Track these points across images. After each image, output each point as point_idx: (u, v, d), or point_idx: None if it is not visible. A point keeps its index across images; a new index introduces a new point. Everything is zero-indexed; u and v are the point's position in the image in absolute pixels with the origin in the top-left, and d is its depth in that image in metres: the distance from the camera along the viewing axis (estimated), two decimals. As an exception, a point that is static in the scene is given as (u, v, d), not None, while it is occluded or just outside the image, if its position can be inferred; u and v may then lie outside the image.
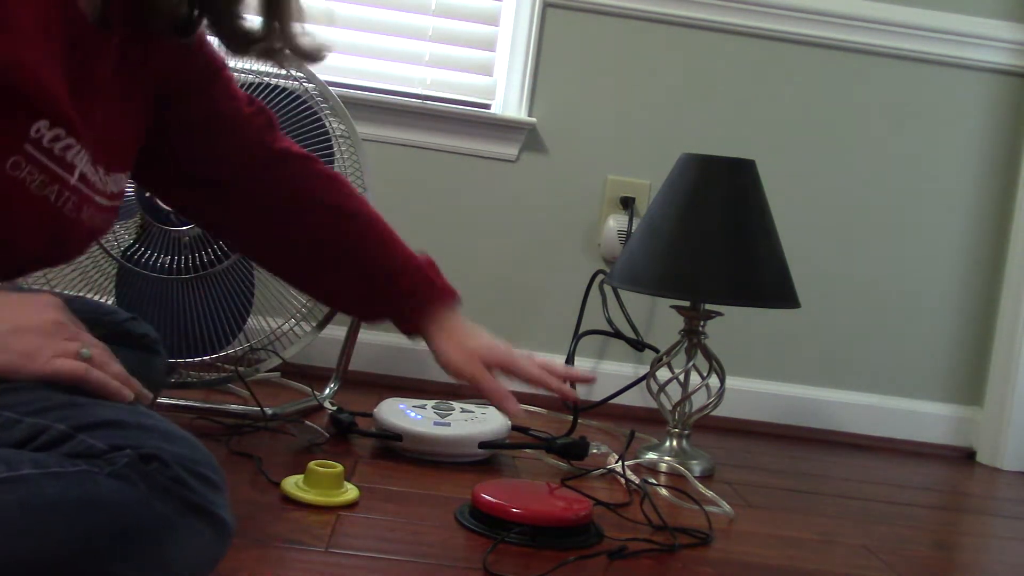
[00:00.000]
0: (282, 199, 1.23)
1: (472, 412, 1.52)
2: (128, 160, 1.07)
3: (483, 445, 1.46)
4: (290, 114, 1.62)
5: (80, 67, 0.94)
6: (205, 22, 1.04)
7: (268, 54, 1.05)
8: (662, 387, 1.65)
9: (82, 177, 0.94)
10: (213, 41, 1.12)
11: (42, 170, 0.89)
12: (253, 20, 1.04)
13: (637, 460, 1.60)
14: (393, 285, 1.26)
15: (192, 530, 0.81)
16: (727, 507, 1.39)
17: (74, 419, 0.82)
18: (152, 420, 0.85)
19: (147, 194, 1.53)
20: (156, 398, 1.33)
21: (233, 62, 1.66)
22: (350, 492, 1.22)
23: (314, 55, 1.08)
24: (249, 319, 1.62)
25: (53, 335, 0.88)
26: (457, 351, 1.24)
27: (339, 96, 1.70)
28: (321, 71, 1.71)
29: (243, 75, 1.65)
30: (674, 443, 1.64)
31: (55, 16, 0.89)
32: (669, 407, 1.65)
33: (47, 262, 0.98)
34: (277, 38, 1.03)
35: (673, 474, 1.57)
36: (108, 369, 0.91)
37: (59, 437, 0.81)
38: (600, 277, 1.95)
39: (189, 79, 1.13)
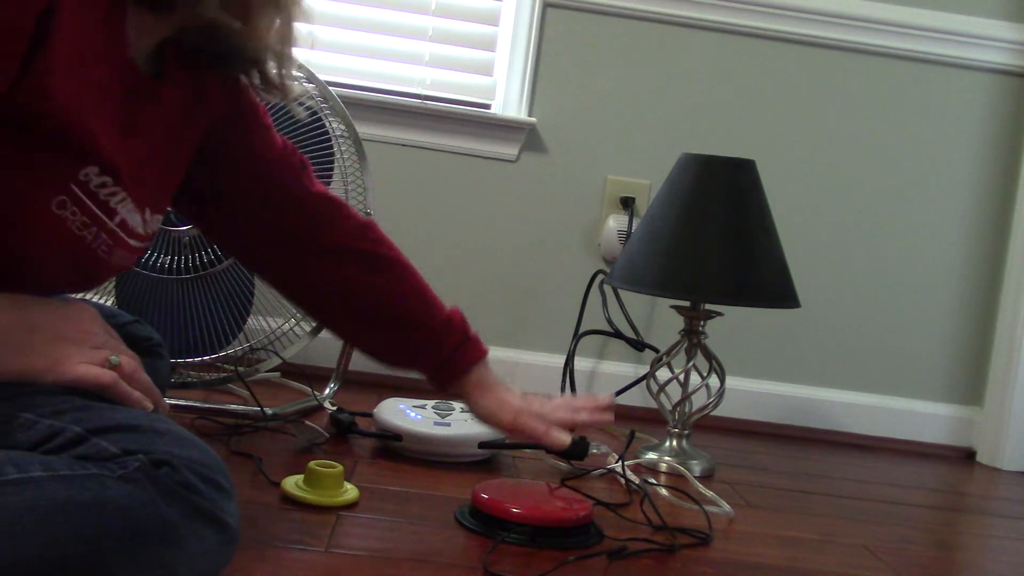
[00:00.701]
0: (312, 240, 1.24)
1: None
2: (167, 203, 1.10)
3: (483, 445, 1.46)
4: (290, 114, 1.62)
5: (133, 117, 0.96)
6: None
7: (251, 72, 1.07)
8: (662, 387, 1.65)
9: (122, 223, 0.96)
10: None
11: (85, 211, 0.91)
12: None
13: (637, 460, 1.60)
14: (426, 339, 1.26)
15: (199, 535, 0.82)
16: (727, 507, 1.39)
17: (89, 422, 0.84)
18: (166, 425, 0.87)
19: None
20: None
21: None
22: (350, 492, 1.22)
23: (284, 90, 1.09)
24: (249, 319, 1.62)
25: (82, 343, 0.91)
26: (494, 403, 1.27)
27: (339, 96, 1.70)
28: (321, 71, 1.71)
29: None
30: (674, 443, 1.64)
31: (112, 67, 0.91)
32: (669, 407, 1.65)
33: (68, 291, 0.99)
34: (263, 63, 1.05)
35: (673, 474, 1.57)
36: (136, 378, 0.93)
37: (74, 439, 0.82)
38: (600, 277, 1.95)
39: (231, 122, 1.15)
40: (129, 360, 0.93)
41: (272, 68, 1.06)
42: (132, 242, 0.99)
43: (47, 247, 0.90)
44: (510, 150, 2.02)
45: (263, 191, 1.20)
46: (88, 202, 0.90)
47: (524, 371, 2.00)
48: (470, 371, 1.27)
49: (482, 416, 1.28)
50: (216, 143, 1.14)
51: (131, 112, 0.95)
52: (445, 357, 1.26)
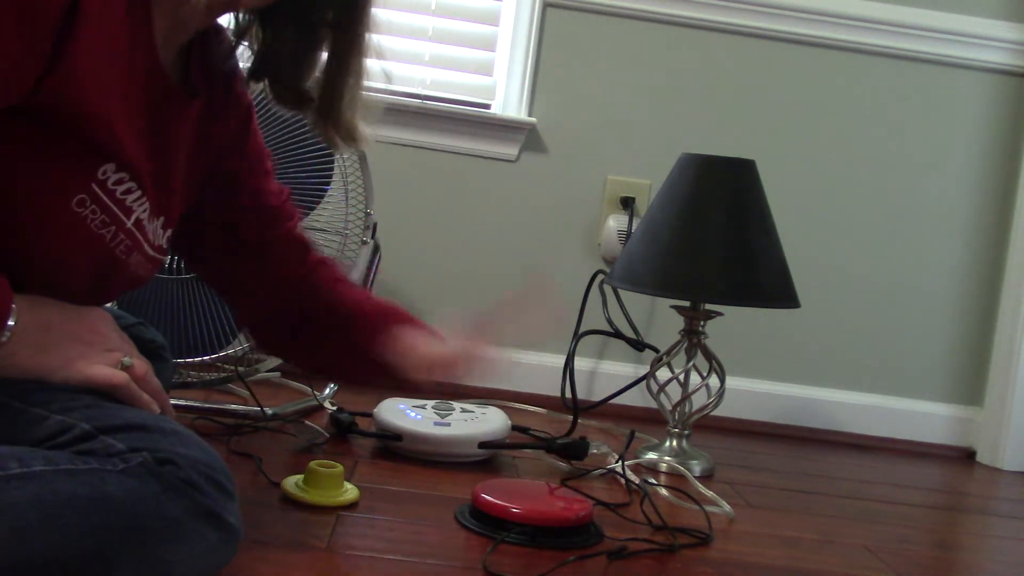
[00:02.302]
0: (284, 279, 1.20)
1: (472, 412, 1.52)
2: (177, 219, 1.08)
3: (483, 445, 1.46)
4: (290, 114, 1.62)
5: (158, 121, 0.96)
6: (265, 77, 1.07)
7: (316, 119, 1.07)
8: (662, 387, 1.65)
9: (138, 223, 0.96)
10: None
11: (104, 210, 0.91)
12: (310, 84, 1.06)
13: (637, 460, 1.60)
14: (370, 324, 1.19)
15: (200, 533, 0.82)
16: (727, 507, 1.39)
17: (98, 420, 0.85)
18: (171, 426, 0.88)
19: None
20: None
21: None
22: (350, 492, 1.22)
23: (352, 137, 1.08)
24: (249, 319, 1.62)
25: (96, 345, 0.92)
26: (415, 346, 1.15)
27: (339, 96, 1.70)
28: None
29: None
30: (674, 443, 1.64)
31: (139, 69, 0.92)
32: (669, 407, 1.65)
33: (85, 294, 0.99)
34: (324, 108, 1.05)
35: (673, 474, 1.57)
36: (147, 380, 0.94)
37: (82, 436, 0.83)
38: (600, 277, 1.95)
39: (239, 158, 1.14)
40: (140, 363, 0.95)
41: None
42: (148, 249, 0.99)
43: (67, 245, 0.90)
44: (510, 150, 2.02)
45: (248, 221, 1.17)
46: (106, 200, 0.91)
47: (524, 371, 2.00)
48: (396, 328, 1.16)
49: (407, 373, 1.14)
50: (220, 170, 1.12)
51: (156, 116, 0.96)
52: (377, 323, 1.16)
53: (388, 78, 1.11)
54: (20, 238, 0.87)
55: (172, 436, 0.85)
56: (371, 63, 1.07)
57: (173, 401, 1.52)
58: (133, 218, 0.95)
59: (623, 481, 1.45)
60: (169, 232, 1.05)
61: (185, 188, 1.07)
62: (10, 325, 0.85)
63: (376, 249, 1.72)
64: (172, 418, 0.95)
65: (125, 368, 0.92)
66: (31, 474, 0.77)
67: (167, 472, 0.81)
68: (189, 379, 1.59)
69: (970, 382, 2.11)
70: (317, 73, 1.06)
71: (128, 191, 0.93)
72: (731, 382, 1.71)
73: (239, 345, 1.62)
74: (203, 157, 1.09)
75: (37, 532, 0.76)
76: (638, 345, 1.94)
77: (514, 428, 1.56)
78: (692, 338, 1.64)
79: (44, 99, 0.83)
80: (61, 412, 0.85)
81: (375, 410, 1.52)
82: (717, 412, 1.71)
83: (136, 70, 0.91)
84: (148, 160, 0.95)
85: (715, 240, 1.57)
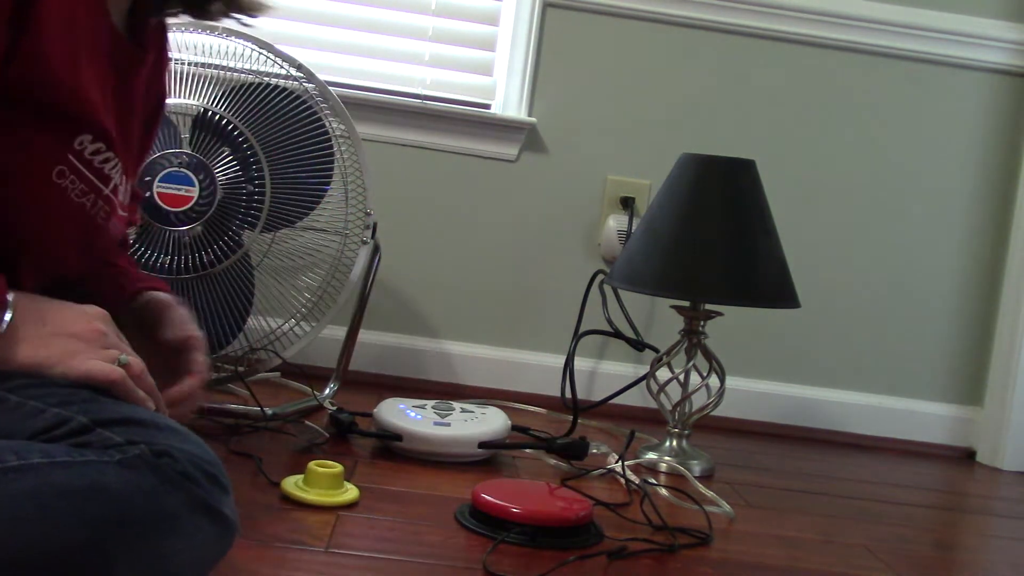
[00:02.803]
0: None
1: (472, 412, 1.52)
2: (135, 174, 1.11)
3: (483, 445, 1.46)
4: (290, 114, 1.62)
5: (120, 83, 0.99)
6: None
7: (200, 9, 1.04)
8: (662, 387, 1.65)
9: (115, 189, 0.99)
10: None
11: (83, 180, 0.93)
12: None
13: (637, 460, 1.60)
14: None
15: (196, 526, 0.83)
16: (727, 507, 1.39)
17: (95, 413, 0.85)
18: (167, 422, 0.88)
19: (147, 193, 1.54)
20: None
21: (232, 61, 1.66)
22: (350, 492, 1.22)
23: (250, 7, 1.06)
24: (249, 319, 1.62)
25: (93, 342, 0.92)
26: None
27: (339, 96, 1.70)
28: (321, 71, 1.71)
29: (243, 75, 1.65)
30: (674, 443, 1.64)
31: (98, 34, 0.94)
32: (669, 407, 1.65)
33: (77, 270, 1.00)
34: None
35: (673, 474, 1.57)
36: (143, 378, 0.95)
37: (78, 428, 0.84)
38: (600, 277, 1.95)
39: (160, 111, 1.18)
40: (137, 361, 0.95)
41: None
42: (121, 212, 1.02)
43: (52, 218, 0.92)
44: (510, 150, 2.02)
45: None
46: (84, 170, 0.93)
47: (524, 371, 2.00)
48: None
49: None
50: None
51: (120, 80, 0.98)
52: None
53: None
54: (6, 213, 0.89)
55: (168, 431, 0.86)
56: None
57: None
58: (111, 185, 0.97)
59: (623, 481, 1.45)
60: (131, 186, 1.07)
61: (139, 144, 1.09)
62: (7, 319, 0.86)
63: (376, 249, 1.72)
64: (165, 415, 0.96)
65: (122, 365, 0.92)
66: (28, 466, 0.78)
67: (164, 464, 0.82)
68: (189, 379, 1.59)
69: (970, 382, 2.11)
70: None
71: (106, 160, 0.95)
72: (731, 382, 1.71)
73: (239, 345, 1.63)
74: (150, 111, 1.11)
75: (34, 524, 0.76)
76: (638, 345, 1.93)
77: (514, 428, 1.56)
78: (692, 338, 1.64)
79: (13, 84, 0.84)
80: (58, 405, 0.86)
81: (375, 410, 1.52)
82: (717, 412, 1.71)
83: (98, 38, 0.93)
84: (117, 124, 0.98)
85: (715, 240, 1.57)
